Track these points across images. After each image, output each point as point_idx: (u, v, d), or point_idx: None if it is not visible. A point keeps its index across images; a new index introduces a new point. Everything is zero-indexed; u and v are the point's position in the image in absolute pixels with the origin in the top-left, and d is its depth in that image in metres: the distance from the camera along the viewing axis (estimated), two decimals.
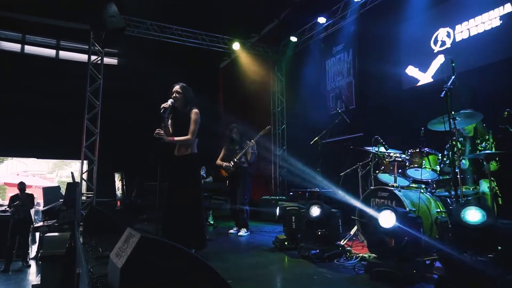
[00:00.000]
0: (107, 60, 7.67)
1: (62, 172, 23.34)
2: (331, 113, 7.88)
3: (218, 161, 6.07)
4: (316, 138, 4.82)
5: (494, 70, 4.87)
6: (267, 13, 8.72)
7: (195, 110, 3.87)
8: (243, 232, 5.70)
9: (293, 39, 8.55)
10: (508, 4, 4.75)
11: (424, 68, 5.83)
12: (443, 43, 5.56)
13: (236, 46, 8.84)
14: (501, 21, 4.82)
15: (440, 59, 5.60)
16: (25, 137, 9.78)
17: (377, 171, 4.34)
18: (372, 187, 4.17)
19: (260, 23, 9.28)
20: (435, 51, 5.67)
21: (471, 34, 5.18)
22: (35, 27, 9.43)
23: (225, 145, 6.09)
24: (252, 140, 5.85)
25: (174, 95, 3.86)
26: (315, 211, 3.68)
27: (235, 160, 5.84)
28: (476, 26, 5.12)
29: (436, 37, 5.67)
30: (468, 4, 5.25)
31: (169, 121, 3.89)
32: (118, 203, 9.26)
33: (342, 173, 5.03)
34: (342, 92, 7.58)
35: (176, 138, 3.77)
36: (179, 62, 9.64)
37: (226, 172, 5.90)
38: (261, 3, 8.22)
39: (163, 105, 3.75)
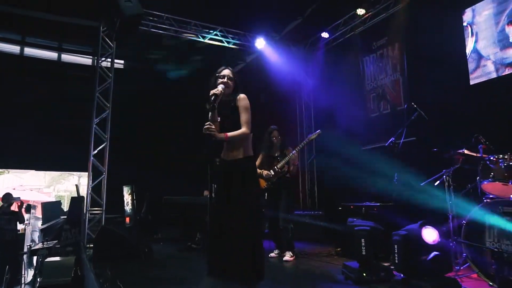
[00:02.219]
0: (105, 65, 6.72)
1: (60, 186, 22.24)
2: (372, 116, 6.96)
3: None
4: (392, 139, 3.86)
5: None
6: (293, 7, 7.85)
7: (242, 95, 2.94)
8: (288, 256, 4.68)
9: (325, 35, 7.69)
10: None
11: (500, 60, 4.93)
12: None
13: (260, 43, 7.96)
14: None
15: None
16: (23, 147, 8.78)
17: (480, 179, 3.38)
18: (488, 199, 3.20)
19: (285, 18, 8.40)
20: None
21: None
22: (36, 25, 8.50)
23: (262, 151, 5.13)
24: (297, 149, 4.91)
25: (225, 80, 2.93)
26: (430, 234, 2.69)
27: (277, 168, 4.87)
28: None
29: None
30: None
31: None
32: (127, 219, 8.23)
33: (423, 183, 4.04)
34: (386, 91, 6.67)
35: (229, 134, 2.82)
36: (192, 63, 8.78)
37: (266, 183, 4.93)
38: None
39: (213, 92, 2.81)
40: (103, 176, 6.39)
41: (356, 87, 7.29)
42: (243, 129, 2.86)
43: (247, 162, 2.93)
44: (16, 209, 5.20)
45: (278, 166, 4.90)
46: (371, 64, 7.00)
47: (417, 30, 6.03)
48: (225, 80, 2.93)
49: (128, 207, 8.23)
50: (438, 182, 4.06)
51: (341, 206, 5.29)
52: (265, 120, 9.18)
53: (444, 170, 3.78)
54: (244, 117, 2.86)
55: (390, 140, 3.91)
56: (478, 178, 3.43)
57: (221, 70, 3.01)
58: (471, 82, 5.24)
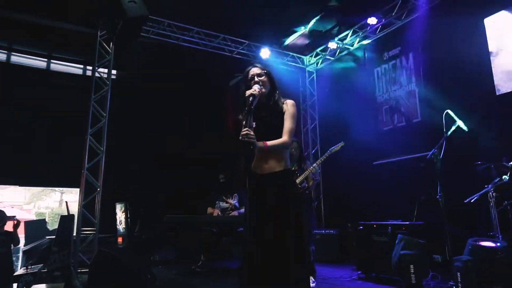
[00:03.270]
0: (102, 71, 6.23)
1: (41, 202, 21.12)
2: (386, 129, 6.63)
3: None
4: (434, 150, 3.48)
5: None
6: (299, 16, 7.56)
7: (291, 101, 2.55)
8: (310, 282, 4.20)
9: (332, 45, 7.41)
10: None
11: None
12: None
13: (265, 53, 7.62)
14: None
15: None
16: (4, 160, 8.09)
17: None
18: None
19: (289, 28, 8.11)
20: None
21: None
22: (24, 31, 7.94)
23: None
24: (318, 162, 4.50)
25: (257, 79, 2.53)
26: None
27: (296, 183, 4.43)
28: None
29: None
30: None
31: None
32: (120, 239, 7.61)
33: (467, 200, 3.64)
34: (400, 103, 6.37)
35: (269, 143, 2.38)
36: (190, 75, 8.32)
37: None
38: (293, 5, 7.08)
39: (250, 92, 2.40)
40: (97, 192, 5.80)
41: (366, 99, 6.98)
42: (285, 138, 2.44)
43: (288, 176, 2.49)
44: (11, 229, 4.60)
45: (297, 181, 4.47)
46: (385, 74, 6.72)
47: (434, 39, 5.78)
48: (261, 78, 2.53)
49: (121, 226, 7.61)
50: (474, 198, 3.70)
51: (361, 225, 4.85)
52: None
53: (489, 186, 3.41)
54: (289, 124, 2.45)
55: (431, 152, 3.53)
56: None
57: (250, 69, 2.61)
58: (497, 92, 4.98)
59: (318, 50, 7.94)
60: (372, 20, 6.58)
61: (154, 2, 6.03)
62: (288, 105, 2.52)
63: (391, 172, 6.24)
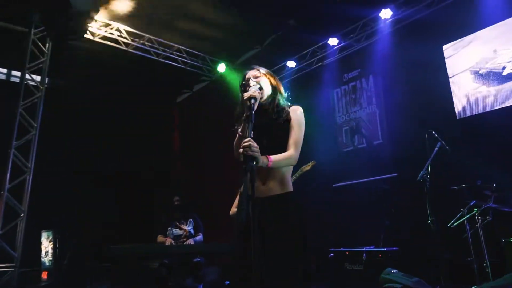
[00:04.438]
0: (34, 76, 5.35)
1: None
2: (346, 150, 6.52)
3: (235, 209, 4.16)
4: (423, 172, 3.26)
5: None
6: (257, 33, 7.32)
7: (298, 107, 2.16)
8: None
9: (291, 64, 7.25)
10: None
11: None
12: None
13: (221, 68, 7.22)
14: None
15: None
16: None
17: None
18: None
19: (247, 45, 7.83)
20: (503, 74, 4.75)
21: None
22: None
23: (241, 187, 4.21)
24: None
25: (258, 79, 2.12)
26: None
27: None
28: None
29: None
30: None
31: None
32: (45, 275, 6.45)
33: (450, 224, 3.46)
34: (361, 124, 6.31)
35: (273, 158, 1.92)
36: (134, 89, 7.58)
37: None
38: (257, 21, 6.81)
39: (249, 94, 1.95)
40: (20, 218, 4.77)
41: (325, 120, 6.85)
42: (291, 152, 2.01)
43: (291, 201, 2.04)
44: None
45: None
46: (343, 96, 6.66)
47: (395, 63, 5.84)
48: (258, 79, 2.11)
49: (46, 258, 6.45)
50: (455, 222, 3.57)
51: (332, 252, 4.52)
52: (204, 152, 8.28)
53: (464, 209, 3.28)
54: (296, 135, 2.04)
55: (421, 174, 3.32)
56: None
57: (246, 73, 2.22)
58: (457, 117, 5.09)
59: (275, 68, 7.72)
60: (333, 41, 6.54)
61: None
62: (296, 111, 2.12)
63: (352, 195, 6.08)
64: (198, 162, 8.61)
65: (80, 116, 7.14)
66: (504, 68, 4.73)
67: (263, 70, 2.22)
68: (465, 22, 5.13)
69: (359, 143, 6.30)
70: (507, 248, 3.19)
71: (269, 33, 7.26)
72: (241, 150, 1.74)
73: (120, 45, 6.14)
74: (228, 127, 2.24)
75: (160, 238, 5.18)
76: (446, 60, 5.33)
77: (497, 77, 4.79)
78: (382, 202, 5.46)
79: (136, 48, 6.37)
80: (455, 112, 5.12)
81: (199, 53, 7.08)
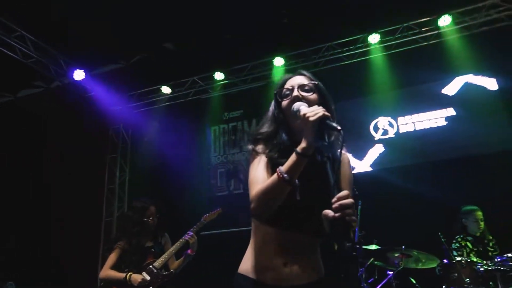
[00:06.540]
0: None
1: None
2: (219, 195, 5.92)
3: (107, 273, 2.91)
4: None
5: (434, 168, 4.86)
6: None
7: (347, 154, 1.51)
8: None
9: (166, 90, 6.36)
10: (451, 108, 5.02)
11: (360, 155, 5.26)
12: (385, 131, 5.25)
13: (79, 75, 5.69)
14: (446, 122, 5.00)
15: (378, 148, 5.22)
16: None
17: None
18: None
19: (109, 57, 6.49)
20: (375, 139, 5.26)
21: (417, 128, 5.12)
22: None
23: (120, 240, 3.06)
24: (189, 234, 3.22)
25: (300, 94, 1.41)
26: None
27: (154, 269, 2.95)
28: (422, 121, 5.12)
29: (376, 124, 5.33)
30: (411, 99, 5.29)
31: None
32: None
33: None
34: (239, 168, 5.89)
35: None
36: None
37: None
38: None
39: (322, 112, 1.22)
40: None
41: (198, 158, 6.16)
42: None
43: None
44: None
45: (157, 263, 2.98)
46: (223, 135, 6.17)
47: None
48: (309, 96, 1.40)
49: None
50: None
51: None
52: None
53: (391, 274, 3.20)
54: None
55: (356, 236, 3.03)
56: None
57: (290, 78, 1.53)
58: None
59: (145, 90, 6.64)
60: (219, 76, 6.09)
61: None
62: (346, 158, 1.47)
63: (219, 245, 5.47)
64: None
65: None
66: None
67: (315, 81, 1.47)
68: None
69: (235, 188, 5.84)
70: None
71: (140, 51, 6.25)
72: (337, 214, 0.99)
73: None
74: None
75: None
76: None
77: None
78: None
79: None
80: None
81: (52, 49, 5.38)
